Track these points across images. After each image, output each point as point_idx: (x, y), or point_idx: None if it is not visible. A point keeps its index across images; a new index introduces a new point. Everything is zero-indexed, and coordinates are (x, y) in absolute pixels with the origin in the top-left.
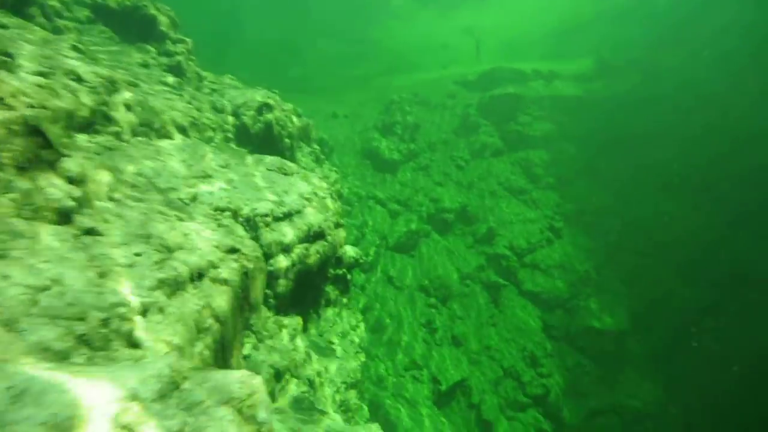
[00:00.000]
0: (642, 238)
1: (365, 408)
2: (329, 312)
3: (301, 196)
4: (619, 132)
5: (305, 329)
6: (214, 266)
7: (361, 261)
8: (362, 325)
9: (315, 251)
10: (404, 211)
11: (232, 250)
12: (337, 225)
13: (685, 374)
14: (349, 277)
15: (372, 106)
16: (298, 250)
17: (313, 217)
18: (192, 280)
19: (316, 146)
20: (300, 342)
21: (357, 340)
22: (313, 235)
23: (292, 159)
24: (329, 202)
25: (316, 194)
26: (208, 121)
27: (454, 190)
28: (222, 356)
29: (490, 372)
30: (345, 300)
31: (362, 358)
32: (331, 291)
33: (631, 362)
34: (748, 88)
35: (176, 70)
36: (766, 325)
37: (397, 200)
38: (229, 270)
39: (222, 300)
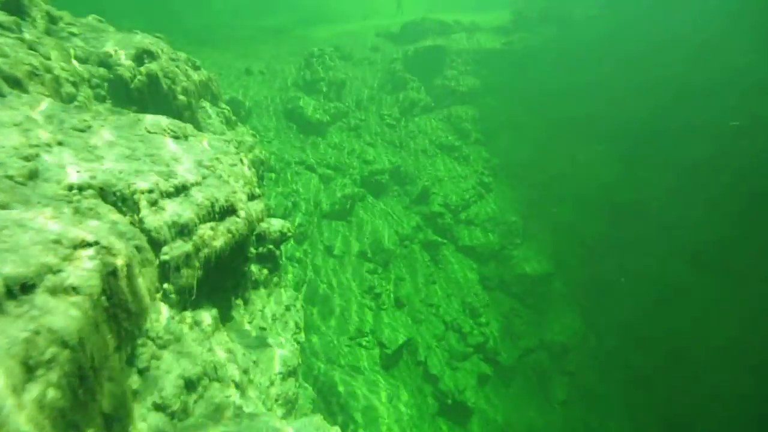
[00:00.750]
0: (564, 190)
1: (309, 389)
2: (257, 295)
3: (200, 164)
4: (537, 86)
5: (228, 320)
6: (54, 271)
7: (289, 234)
8: (299, 303)
9: (225, 231)
10: (336, 176)
11: (86, 245)
12: (253, 196)
13: (600, 307)
14: (277, 253)
15: (290, 60)
16: (201, 231)
17: (218, 189)
18: (11, 297)
19: (224, 106)
20: (220, 338)
21: (293, 321)
22: (221, 212)
23: (193, 121)
24: (241, 169)
25: (220, 161)
26: (65, 74)
27: (387, 151)
28: (85, 391)
29: (434, 328)
30: (276, 279)
31: (300, 338)
32: (257, 271)
33: (556, 301)
34: (654, 38)
35: (12, 5)
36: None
37: (327, 164)
38: (80, 273)
39: (69, 316)
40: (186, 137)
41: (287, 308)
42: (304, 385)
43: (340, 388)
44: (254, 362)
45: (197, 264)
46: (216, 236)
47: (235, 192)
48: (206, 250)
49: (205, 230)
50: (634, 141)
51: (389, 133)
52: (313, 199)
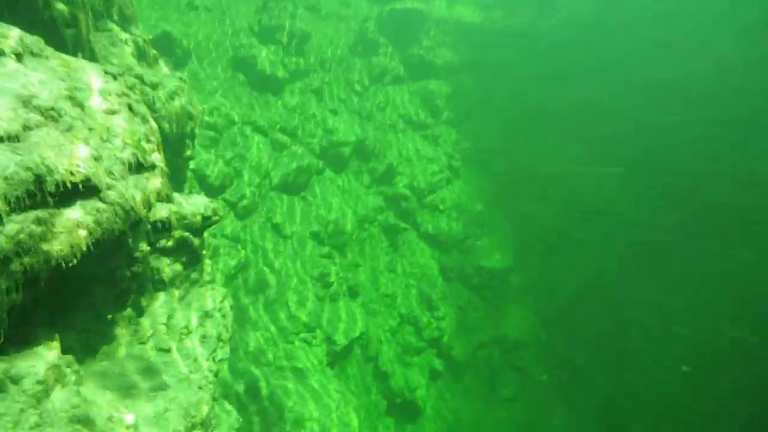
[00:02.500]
0: (529, 179)
1: (232, 414)
2: (161, 301)
3: (30, 104)
4: (515, 69)
5: (95, 350)
6: None
7: (216, 218)
8: (227, 304)
9: (72, 225)
10: (292, 143)
11: None
12: (145, 165)
13: (554, 304)
14: (196, 242)
15: (245, 0)
16: (13, 227)
17: (60, 151)
18: None
19: (139, 33)
20: (64, 396)
21: (215, 331)
22: (64, 191)
23: (81, 47)
24: (126, 122)
25: (80, 102)
26: None
27: (351, 121)
28: None
29: (389, 321)
30: (195, 275)
31: (224, 355)
32: (165, 267)
33: (513, 296)
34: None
35: None
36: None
37: (282, 128)
38: None
39: None
40: (38, 56)
41: (207, 314)
42: (226, 408)
43: (280, 399)
44: (139, 414)
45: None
46: (51, 235)
47: (98, 158)
48: (27, 260)
49: (23, 225)
50: (617, 140)
51: (356, 102)
52: (262, 168)
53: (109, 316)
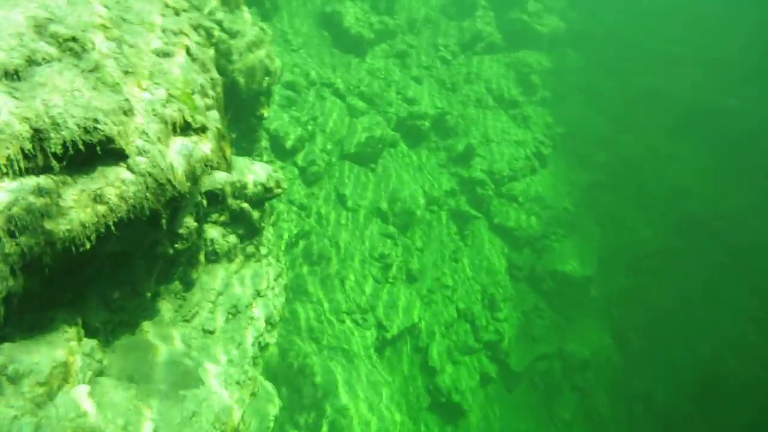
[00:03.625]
0: (630, 179)
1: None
2: (213, 274)
3: (44, 30)
4: (633, 46)
5: (130, 330)
6: None
7: (278, 191)
8: (282, 281)
9: (87, 199)
10: (369, 110)
11: None
12: (194, 126)
13: (636, 328)
14: (255, 215)
15: None
16: (6, 197)
17: (66, 95)
18: None
19: None
20: (71, 398)
21: (265, 312)
22: (72, 155)
23: None
24: (179, 68)
25: (119, 37)
26: None
27: (435, 91)
28: None
29: (445, 314)
30: (251, 248)
31: (271, 340)
32: (221, 238)
33: (587, 309)
34: None
35: None
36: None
37: (361, 94)
38: None
39: None
40: None
41: (259, 293)
42: (268, 390)
43: (318, 378)
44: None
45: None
46: (57, 210)
47: (128, 112)
48: (25, 240)
49: (18, 195)
50: (737, 140)
51: (441, 70)
52: (336, 134)
53: (149, 294)
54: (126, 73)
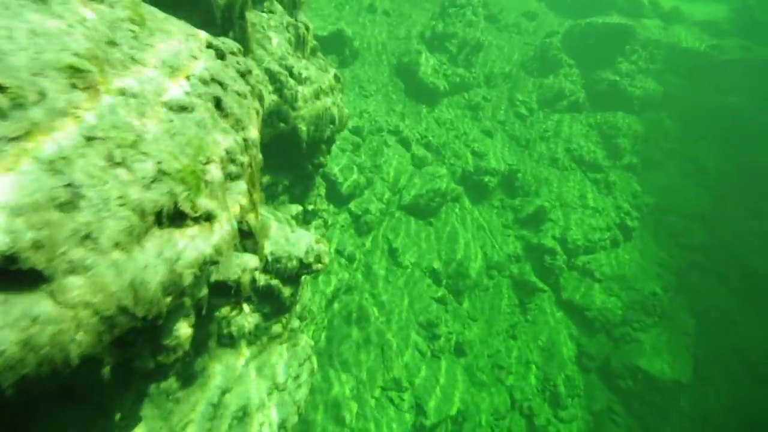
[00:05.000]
0: (733, 265)
1: None
2: (221, 366)
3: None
4: (738, 116)
5: None
6: None
7: (315, 266)
8: (306, 368)
9: None
10: (434, 161)
11: None
12: (195, 216)
13: None
14: (286, 292)
15: (425, 6)
16: None
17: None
18: None
19: (303, 20)
20: None
21: (279, 416)
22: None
23: (230, 25)
24: (195, 126)
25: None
26: None
27: (506, 146)
28: None
29: (497, 400)
30: (278, 328)
31: None
32: (239, 318)
33: (676, 422)
34: None
35: None
36: None
37: (427, 144)
38: None
39: None
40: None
41: (278, 387)
42: None
43: None
44: None
45: None
46: None
47: (64, 205)
48: None
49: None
50: None
51: (516, 126)
52: (396, 182)
53: (118, 415)
54: (89, 138)
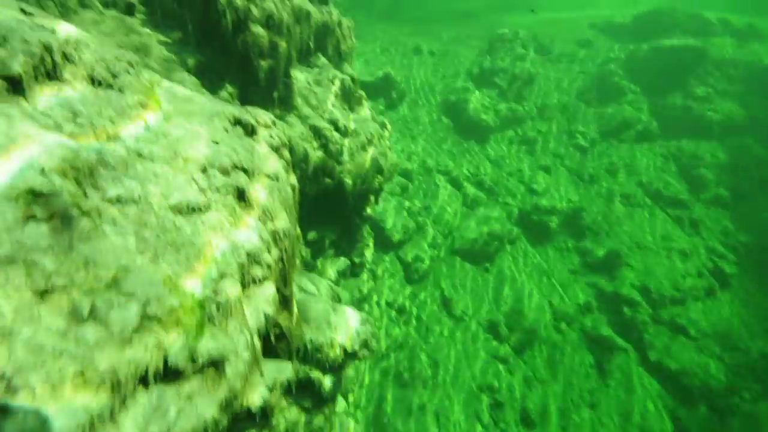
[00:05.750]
0: None
1: None
2: None
3: None
4: None
5: None
6: None
7: (362, 353)
8: None
9: None
10: (487, 201)
11: None
12: (192, 371)
13: None
14: (327, 385)
15: (471, 44)
16: None
17: None
18: None
19: (348, 72)
20: None
21: None
22: None
23: (274, 84)
24: (227, 229)
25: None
26: None
27: (567, 182)
28: None
29: None
30: (319, 419)
31: None
32: (276, 414)
33: None
34: None
35: None
36: None
37: (479, 182)
38: None
39: None
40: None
41: None
42: None
43: None
44: None
45: None
46: None
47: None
48: None
49: None
50: None
51: (576, 159)
52: (448, 225)
53: None
54: (42, 293)
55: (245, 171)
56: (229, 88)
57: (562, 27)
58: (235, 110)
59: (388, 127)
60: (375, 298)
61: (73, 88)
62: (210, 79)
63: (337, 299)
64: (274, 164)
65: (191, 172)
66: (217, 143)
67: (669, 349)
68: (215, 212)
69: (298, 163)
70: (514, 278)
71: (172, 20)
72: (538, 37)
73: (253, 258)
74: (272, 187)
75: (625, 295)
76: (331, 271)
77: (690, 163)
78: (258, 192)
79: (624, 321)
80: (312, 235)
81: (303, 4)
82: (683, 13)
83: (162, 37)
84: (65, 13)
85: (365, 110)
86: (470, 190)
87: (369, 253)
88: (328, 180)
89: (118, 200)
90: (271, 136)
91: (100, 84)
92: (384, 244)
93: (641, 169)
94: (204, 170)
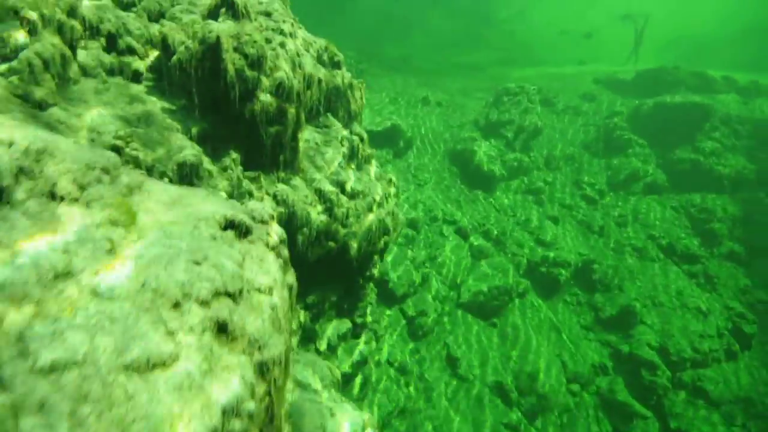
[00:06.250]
0: None
1: None
2: None
3: None
4: None
5: None
6: None
7: None
8: None
9: None
10: (494, 252)
11: None
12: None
13: None
14: None
15: (477, 96)
16: None
17: None
18: None
19: (358, 131)
20: None
21: None
22: None
23: (280, 149)
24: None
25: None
26: None
27: (576, 234)
28: None
29: None
30: None
31: None
32: None
33: None
34: None
35: None
36: None
37: (486, 233)
38: None
39: None
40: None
41: None
42: None
43: None
44: None
45: None
46: None
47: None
48: None
49: None
50: None
51: (585, 210)
52: (454, 277)
53: None
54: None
55: (230, 296)
56: (233, 155)
57: (567, 81)
58: (228, 210)
59: (396, 183)
60: (376, 357)
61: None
62: (214, 146)
63: (336, 384)
64: (268, 276)
65: (160, 310)
66: (198, 264)
67: (691, 417)
68: (185, 362)
69: (299, 228)
70: (523, 334)
71: (179, 88)
72: (543, 90)
73: (231, 411)
74: (264, 308)
75: (642, 356)
76: (332, 337)
77: (701, 216)
78: (245, 319)
79: (642, 384)
80: (312, 298)
81: (315, 72)
82: (686, 71)
83: (167, 104)
84: (63, 85)
85: (373, 168)
86: (477, 240)
87: (372, 311)
88: (331, 243)
89: (53, 368)
90: (269, 234)
91: (62, 199)
92: (387, 297)
93: (652, 222)
94: (176, 305)
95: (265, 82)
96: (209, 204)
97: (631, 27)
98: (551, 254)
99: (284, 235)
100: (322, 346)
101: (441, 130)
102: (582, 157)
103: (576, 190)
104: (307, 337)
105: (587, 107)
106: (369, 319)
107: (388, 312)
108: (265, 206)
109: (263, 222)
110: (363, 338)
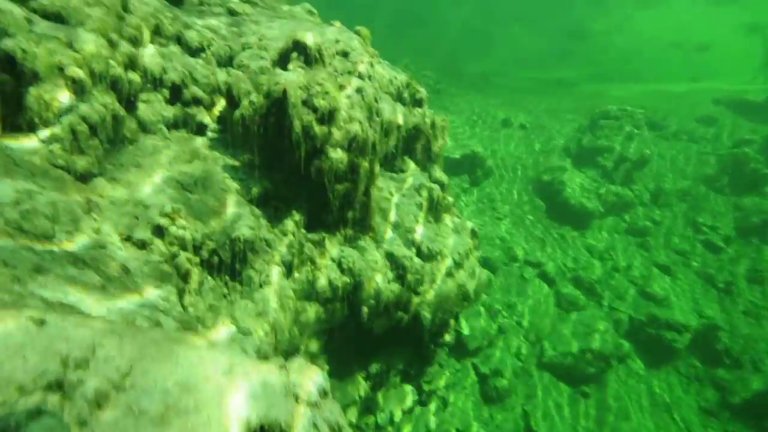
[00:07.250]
0: None
1: None
2: None
3: None
4: None
5: None
6: None
7: None
8: None
9: None
10: (588, 304)
11: None
12: None
13: None
14: None
15: (567, 118)
16: None
17: None
18: None
19: (438, 175)
20: None
21: None
22: None
23: (349, 206)
24: None
25: None
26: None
27: (695, 289)
28: None
29: None
30: None
31: None
32: None
33: None
34: None
35: None
36: None
37: (577, 279)
38: None
39: None
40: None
41: None
42: None
43: None
44: None
45: None
46: None
47: None
48: None
49: None
50: None
51: (706, 259)
52: (536, 331)
53: None
54: None
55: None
56: (296, 216)
57: (678, 102)
58: (259, 408)
59: (478, 235)
60: (445, 427)
61: None
62: (275, 206)
63: None
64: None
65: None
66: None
67: None
68: None
69: (365, 300)
70: (625, 407)
71: (242, 143)
72: (649, 112)
73: None
74: None
75: None
76: (396, 411)
77: None
78: None
79: None
80: (375, 367)
81: (394, 118)
82: None
83: (229, 161)
84: (114, 147)
85: (453, 218)
86: (566, 287)
87: (441, 375)
88: (401, 314)
89: None
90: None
91: None
92: (457, 348)
93: None
94: None
95: (337, 135)
96: (237, 363)
97: (757, 39)
98: (662, 314)
99: (339, 420)
100: (382, 419)
101: (524, 157)
102: (699, 193)
103: (693, 233)
104: (367, 408)
105: (704, 132)
106: (438, 384)
107: (457, 366)
108: (316, 377)
109: (311, 404)
110: (430, 407)
